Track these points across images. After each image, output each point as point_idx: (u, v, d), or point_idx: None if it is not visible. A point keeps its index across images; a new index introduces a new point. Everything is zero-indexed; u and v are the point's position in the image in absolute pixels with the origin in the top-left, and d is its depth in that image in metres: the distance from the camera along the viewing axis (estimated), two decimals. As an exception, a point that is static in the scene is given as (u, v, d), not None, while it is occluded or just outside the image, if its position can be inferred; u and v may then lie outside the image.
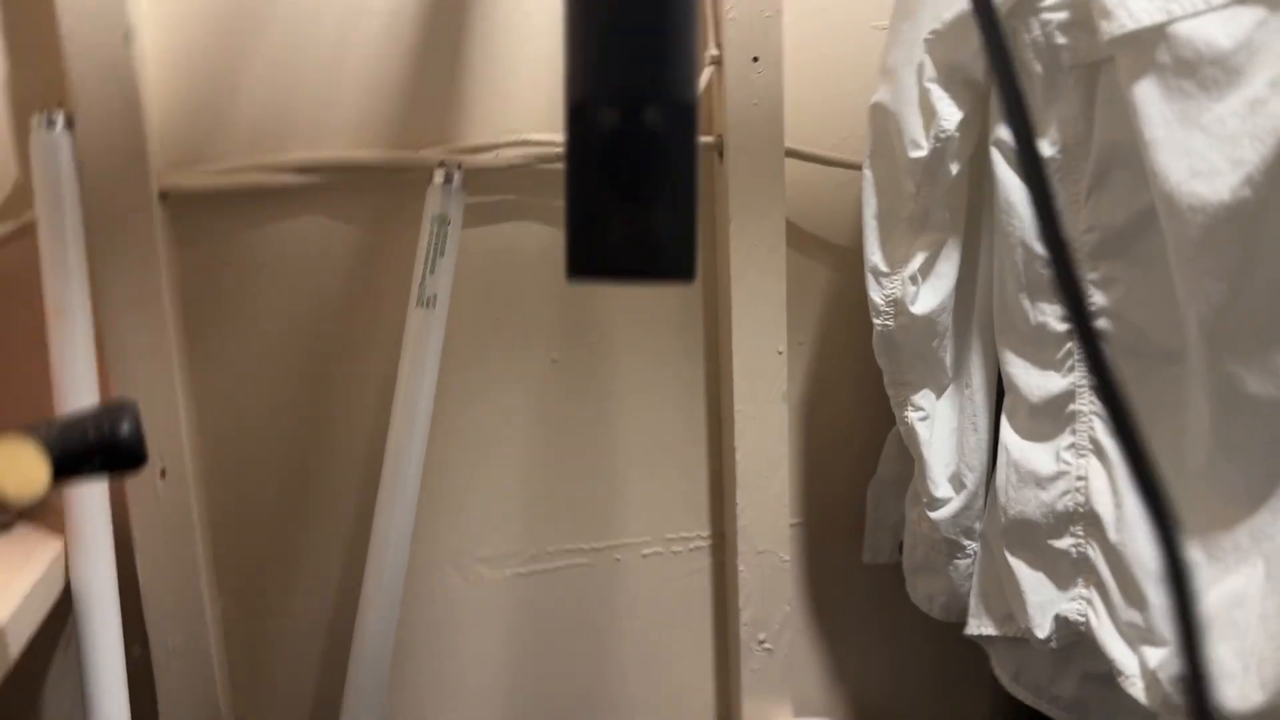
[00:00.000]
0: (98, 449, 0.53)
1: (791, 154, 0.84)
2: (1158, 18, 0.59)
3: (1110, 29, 0.61)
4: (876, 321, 0.78)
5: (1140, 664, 0.66)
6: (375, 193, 0.80)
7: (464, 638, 0.88)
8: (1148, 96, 0.60)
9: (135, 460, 0.53)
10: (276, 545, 0.84)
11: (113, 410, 0.54)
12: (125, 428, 0.54)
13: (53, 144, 0.72)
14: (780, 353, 0.84)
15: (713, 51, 0.81)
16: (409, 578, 0.81)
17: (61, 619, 0.77)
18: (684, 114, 0.35)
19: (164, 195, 0.76)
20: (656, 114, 0.34)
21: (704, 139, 0.82)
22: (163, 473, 0.76)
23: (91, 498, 0.73)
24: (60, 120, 0.72)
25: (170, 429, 0.76)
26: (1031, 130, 0.37)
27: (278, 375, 0.81)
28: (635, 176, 0.35)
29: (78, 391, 0.73)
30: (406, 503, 0.78)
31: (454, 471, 0.85)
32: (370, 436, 0.82)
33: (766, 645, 0.88)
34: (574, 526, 0.89)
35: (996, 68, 0.37)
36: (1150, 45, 0.60)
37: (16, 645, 0.63)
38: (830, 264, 0.89)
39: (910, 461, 0.82)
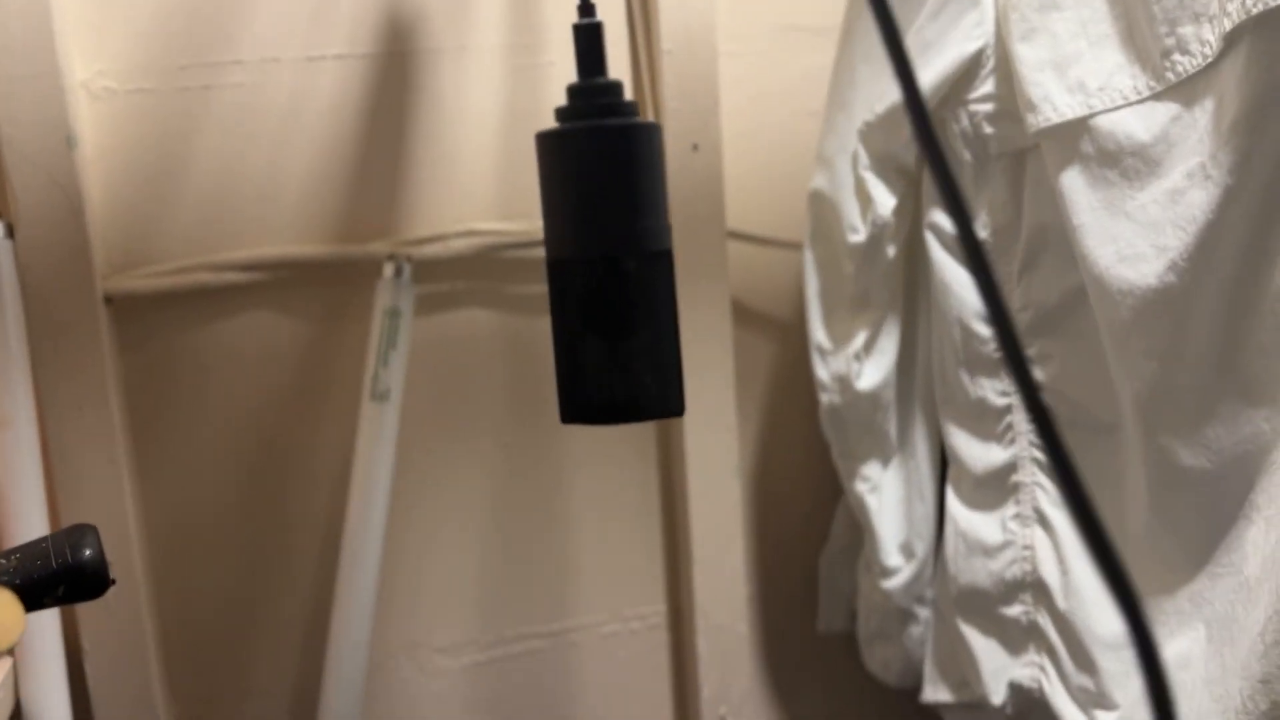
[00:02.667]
0: (60, 577, 0.52)
1: (734, 235, 0.86)
2: (1079, 111, 0.63)
3: (1035, 121, 0.65)
4: (822, 397, 0.81)
5: (1094, 728, 0.69)
6: (323, 287, 0.80)
7: (424, 729, 0.87)
8: (1074, 184, 0.64)
9: (99, 586, 0.53)
10: (229, 648, 0.82)
11: (73, 535, 0.54)
12: (87, 553, 0.53)
13: (-7, 252, 0.71)
14: (730, 429, 0.86)
15: (654, 140, 0.83)
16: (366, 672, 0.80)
17: (8, 737, 0.75)
18: (659, 262, 0.36)
19: (109, 299, 0.75)
20: (631, 264, 0.36)
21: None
22: (112, 582, 0.75)
23: (41, 613, 0.71)
24: (1, 228, 0.71)
25: (120, 537, 0.74)
26: (968, 216, 0.39)
27: (229, 475, 0.80)
28: (615, 324, 0.36)
29: (25, 500, 0.71)
30: (365, 596, 0.77)
31: (407, 560, 0.85)
32: (323, 533, 0.82)
33: (727, 719, 0.89)
34: (531, 609, 0.89)
35: (930, 160, 0.38)
36: (1074, 137, 0.63)
37: (-31, 777, 0.61)
38: (776, 339, 0.92)
39: (860, 531, 0.84)
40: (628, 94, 0.83)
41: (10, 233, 0.71)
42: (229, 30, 0.77)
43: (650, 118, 0.83)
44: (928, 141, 0.39)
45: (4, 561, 0.52)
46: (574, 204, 0.37)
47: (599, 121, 0.38)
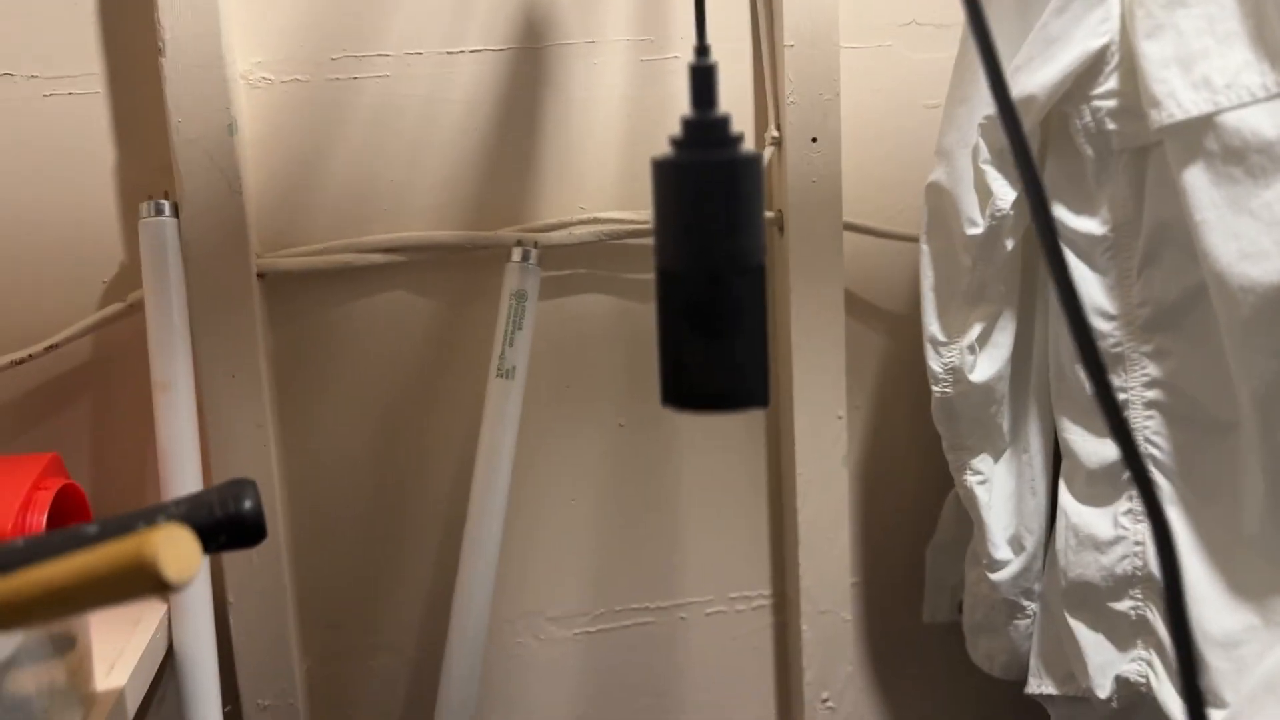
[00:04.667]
0: (223, 526, 0.57)
1: (850, 228, 0.87)
2: (1205, 108, 0.63)
3: (1159, 118, 0.65)
4: (935, 389, 0.82)
5: (1202, 724, 0.68)
6: (455, 269, 0.85)
7: (535, 694, 0.91)
8: (1197, 182, 0.64)
9: (257, 535, 0.57)
10: (360, 606, 0.87)
11: (234, 487, 0.58)
12: (248, 505, 0.58)
13: (160, 228, 0.77)
14: (840, 417, 0.88)
15: (773, 133, 0.85)
16: (485, 636, 0.85)
17: (159, 678, 0.81)
18: (754, 276, 0.43)
19: (261, 275, 0.81)
20: (728, 279, 0.43)
21: (766, 214, 0.86)
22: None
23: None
24: (167, 207, 0.77)
25: (265, 496, 0.80)
26: (1054, 233, 0.41)
27: (364, 443, 0.85)
28: (715, 328, 0.43)
29: (181, 459, 0.77)
30: (488, 563, 0.81)
31: (525, 532, 0.89)
32: (449, 502, 0.86)
33: (830, 704, 0.91)
34: (639, 586, 0.92)
35: (1019, 162, 0.41)
36: (1198, 134, 0.63)
37: (133, 707, 0.67)
38: (887, 331, 0.93)
39: (968, 523, 0.85)
40: (748, 92, 0.86)
41: (175, 211, 0.77)
42: (375, 25, 0.81)
43: (771, 110, 0.85)
44: (1019, 145, 0.41)
45: (174, 509, 0.57)
46: (682, 225, 0.43)
47: (707, 154, 0.43)
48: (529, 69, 0.84)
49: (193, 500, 0.58)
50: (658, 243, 0.44)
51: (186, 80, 0.76)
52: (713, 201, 0.42)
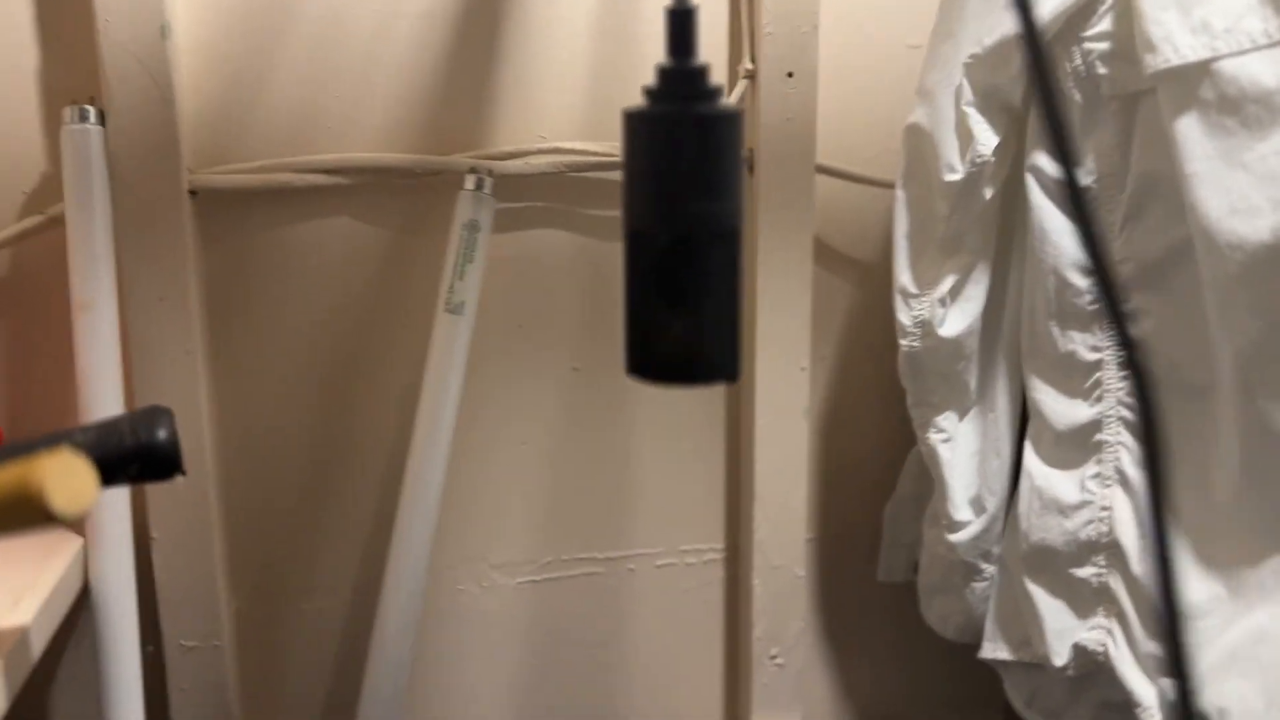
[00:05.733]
0: (134, 455, 0.53)
1: (822, 170, 0.83)
2: (1202, 54, 0.60)
3: (1154, 62, 0.62)
4: (903, 342, 0.78)
5: (1159, 696, 0.67)
6: (404, 196, 0.80)
7: (475, 643, 0.88)
8: (1190, 131, 0.61)
9: (171, 467, 0.53)
10: (293, 545, 0.83)
11: (148, 415, 0.54)
12: (162, 434, 0.53)
13: (84, 137, 0.72)
14: (803, 369, 0.84)
15: (747, 65, 0.81)
16: (424, 582, 0.81)
17: (75, 616, 0.77)
18: (729, 241, 0.40)
19: (193, 192, 0.75)
20: (703, 243, 0.39)
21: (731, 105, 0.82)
22: (183, 472, 0.76)
23: (112, 496, 0.73)
24: (93, 114, 0.72)
25: (192, 428, 0.75)
26: (1073, 161, 0.38)
27: (301, 376, 0.81)
28: (683, 293, 0.40)
29: (102, 385, 0.72)
30: (429, 506, 0.78)
31: (470, 476, 0.85)
32: (392, 439, 0.82)
33: (779, 660, 0.89)
34: (589, 535, 0.89)
35: (1041, 98, 0.38)
36: (1194, 81, 0.60)
37: (39, 645, 0.63)
38: (856, 281, 0.89)
39: (929, 482, 0.82)
40: (722, 22, 0.82)
41: (102, 119, 0.72)
42: (326, -73, 0.76)
43: (745, 42, 0.81)
44: (1042, 82, 0.38)
45: (81, 435, 0.53)
46: (653, 182, 0.40)
47: (684, 107, 0.40)
48: (490, -15, 0.79)
49: (102, 427, 0.54)
50: (626, 201, 0.41)
51: (115, -25, 0.70)
52: (687, 158, 0.39)
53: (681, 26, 0.41)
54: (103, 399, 0.72)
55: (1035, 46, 0.38)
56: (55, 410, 0.78)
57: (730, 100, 0.82)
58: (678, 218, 0.39)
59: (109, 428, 0.54)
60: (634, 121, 0.40)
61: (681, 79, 0.40)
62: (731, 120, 0.40)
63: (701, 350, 0.40)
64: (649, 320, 0.41)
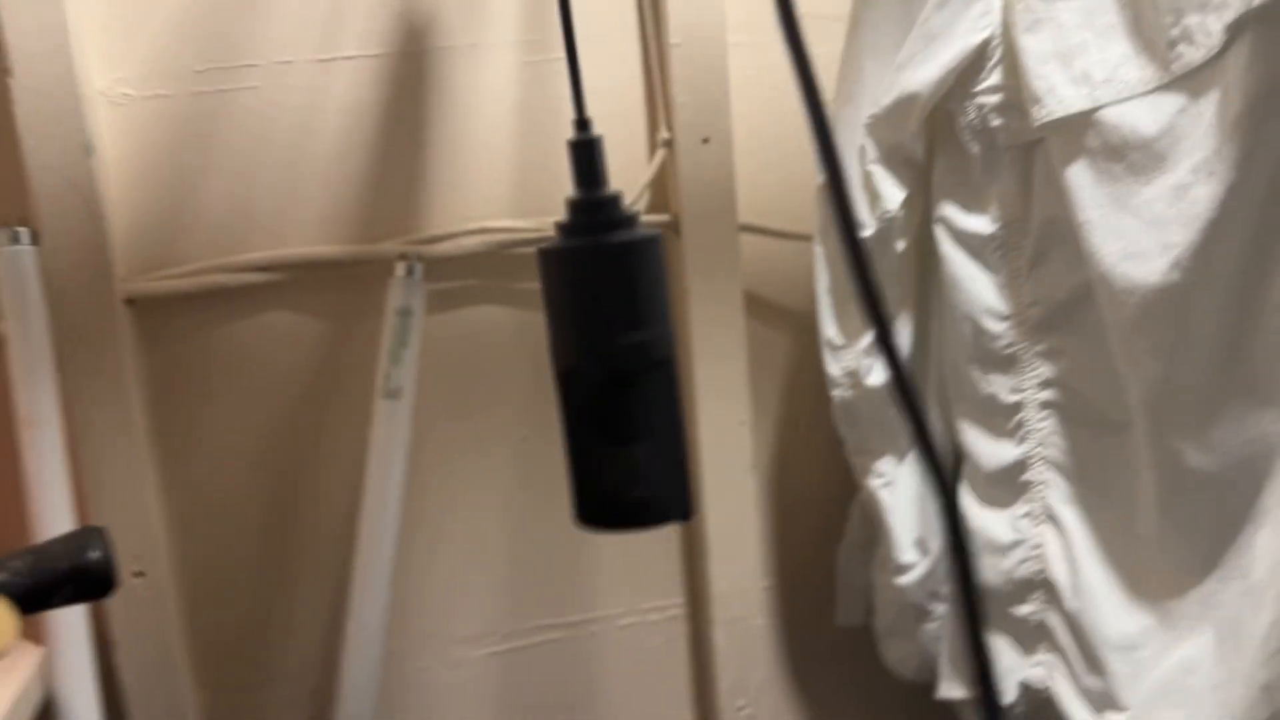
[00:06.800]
0: (68, 578, 0.54)
1: (746, 228, 0.85)
2: (1085, 104, 0.62)
3: (1040, 114, 0.64)
4: (834, 392, 0.80)
5: (1103, 729, 0.68)
6: (337, 287, 0.82)
7: (445, 718, 0.89)
8: (1080, 179, 0.62)
9: (105, 587, 0.54)
10: (255, 635, 0.84)
11: (81, 537, 0.55)
12: (95, 555, 0.55)
13: (17, 258, 0.73)
14: (743, 424, 0.86)
15: (664, 135, 0.83)
16: (385, 661, 0.82)
17: (42, 723, 0.78)
18: (662, 369, 0.38)
19: (129, 301, 0.77)
20: (636, 376, 0.38)
21: (659, 217, 0.84)
22: (139, 574, 0.77)
23: (71, 607, 0.74)
24: (25, 235, 0.73)
25: (145, 530, 0.77)
26: (855, 228, 0.38)
27: (249, 470, 0.82)
28: (622, 432, 0.38)
29: (51, 497, 0.74)
30: (381, 589, 0.79)
31: (426, 553, 0.86)
32: (343, 525, 0.83)
33: (746, 710, 0.89)
34: (548, 601, 0.90)
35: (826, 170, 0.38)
36: (1080, 130, 0.62)
37: (-4, 765, 0.64)
38: (790, 333, 0.91)
39: (875, 526, 0.83)
40: (638, 93, 0.84)
41: (34, 239, 0.74)
42: (242, 35, 0.78)
43: (661, 111, 0.83)
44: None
45: (17, 563, 0.54)
46: (578, 319, 0.38)
47: (600, 239, 0.39)
48: (409, 74, 0.81)
49: (37, 552, 0.55)
50: (552, 341, 0.39)
51: (37, 101, 0.72)
52: (609, 292, 0.38)
53: (587, 158, 0.40)
54: (53, 513, 0.73)
55: (828, 149, 0.37)
56: (5, 527, 0.79)
57: (651, 171, 0.84)
58: (606, 353, 0.38)
59: (42, 553, 0.55)
60: (549, 258, 0.39)
61: (592, 209, 0.39)
62: (651, 245, 0.38)
63: (647, 489, 0.38)
64: (591, 463, 0.39)
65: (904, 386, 0.34)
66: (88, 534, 0.56)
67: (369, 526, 0.78)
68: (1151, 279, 0.59)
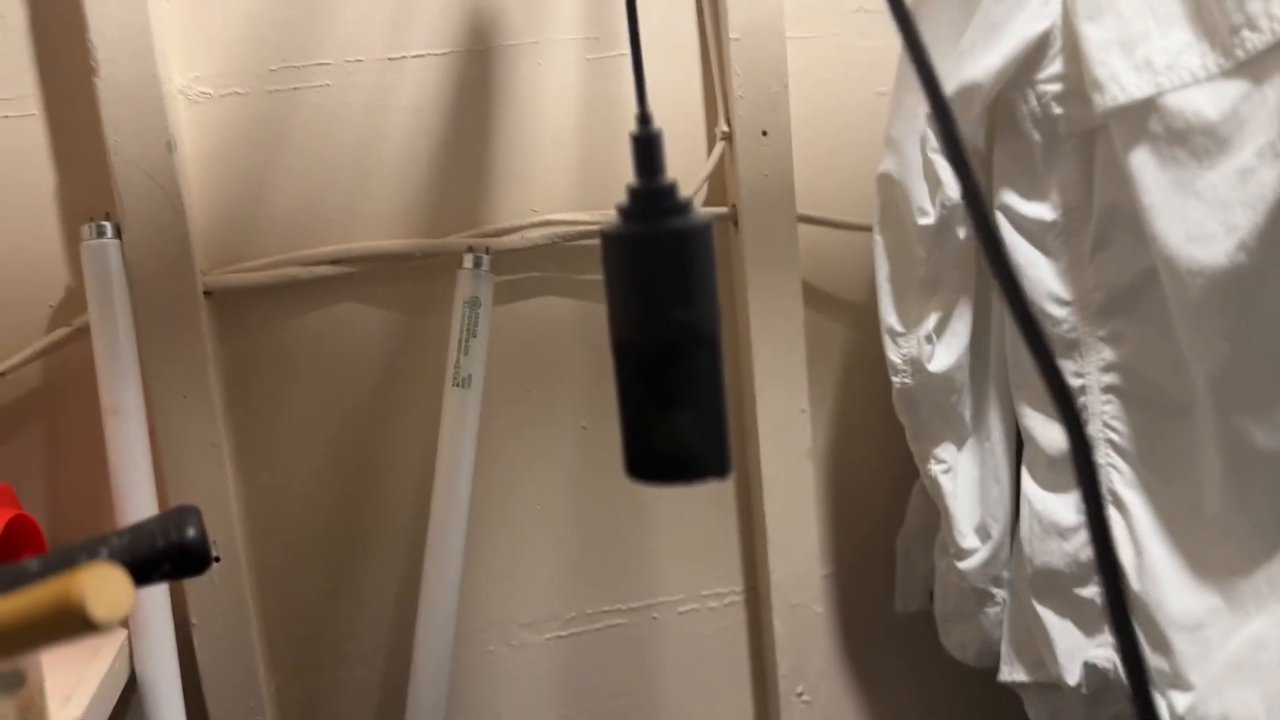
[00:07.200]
0: (166, 555, 0.56)
1: (804, 219, 0.87)
2: (1147, 90, 0.62)
3: (1103, 101, 0.64)
4: (895, 379, 0.81)
5: (1169, 708, 0.68)
6: (407, 279, 0.84)
7: (509, 701, 0.91)
8: (1143, 165, 0.63)
9: (201, 563, 0.56)
10: (327, 620, 0.87)
11: (177, 515, 0.58)
12: (191, 532, 0.57)
13: (102, 251, 0.76)
14: (803, 410, 0.87)
15: (723, 128, 0.84)
16: (453, 645, 0.84)
17: (123, 706, 0.81)
18: (708, 348, 0.42)
19: (208, 293, 0.79)
20: (685, 351, 0.42)
21: (718, 209, 0.86)
22: (216, 558, 0.80)
23: (152, 588, 0.76)
24: (109, 228, 0.76)
25: (223, 516, 0.79)
26: (993, 226, 0.40)
27: (322, 457, 0.85)
28: (672, 396, 0.42)
29: (134, 483, 0.76)
30: (452, 573, 0.81)
31: (491, 539, 0.88)
32: (412, 511, 0.85)
33: (805, 697, 0.91)
34: (611, 588, 0.91)
35: (951, 159, 0.40)
36: (1142, 116, 0.63)
37: (91, 738, 0.66)
38: (847, 322, 0.92)
39: (935, 512, 0.84)
40: (697, 87, 0.85)
41: (118, 232, 0.76)
42: (314, 34, 0.80)
43: (720, 105, 0.84)
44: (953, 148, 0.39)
45: (116, 540, 0.56)
46: (633, 297, 0.42)
47: (657, 224, 0.42)
48: (474, 72, 0.83)
49: (135, 530, 0.57)
50: (610, 314, 0.43)
51: (122, 99, 0.75)
52: (663, 273, 0.42)
53: (646, 150, 0.44)
54: (135, 497, 0.76)
55: (945, 118, 0.39)
56: (91, 511, 0.82)
57: (710, 164, 0.85)
58: (659, 329, 0.42)
59: (140, 531, 0.57)
60: (610, 241, 0.43)
61: (650, 197, 0.43)
62: (701, 233, 0.42)
63: (692, 449, 0.43)
64: (642, 424, 0.43)
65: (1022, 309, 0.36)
66: (183, 513, 0.58)
67: (439, 511, 0.80)
68: (1218, 261, 0.60)
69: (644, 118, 0.45)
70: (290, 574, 0.85)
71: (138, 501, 0.76)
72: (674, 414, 0.42)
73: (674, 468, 0.43)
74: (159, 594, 0.77)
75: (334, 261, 0.82)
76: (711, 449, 0.43)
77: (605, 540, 0.91)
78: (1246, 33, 0.57)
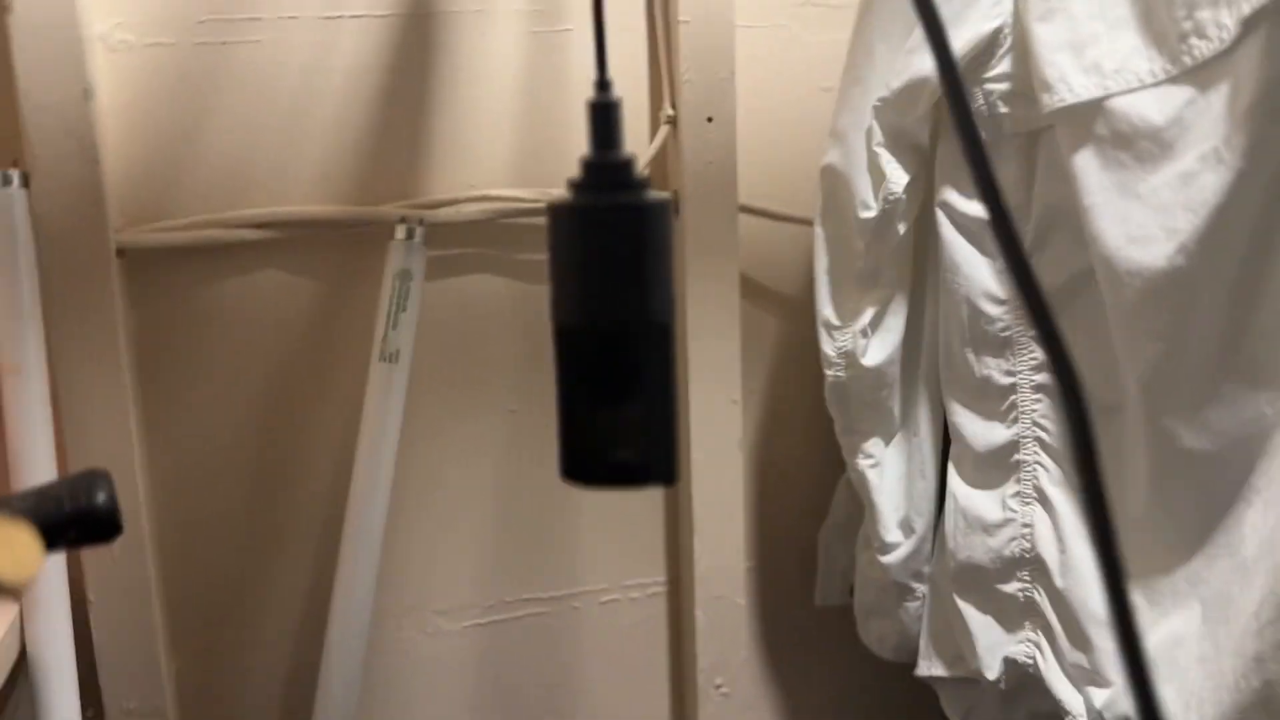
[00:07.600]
0: (72, 521, 0.53)
1: (745, 209, 0.86)
2: (1095, 93, 0.63)
3: (1050, 102, 0.65)
4: (828, 372, 0.81)
5: (1086, 704, 0.70)
6: (336, 247, 0.81)
7: (422, 690, 0.88)
8: (1087, 166, 0.64)
9: (111, 531, 0.53)
10: (233, 601, 0.83)
11: (86, 479, 0.54)
12: (100, 498, 0.53)
13: (7, 200, 0.71)
14: (735, 401, 0.87)
15: (668, 111, 0.83)
16: (368, 632, 0.81)
17: (11, 683, 0.76)
18: (660, 335, 0.38)
19: (121, 252, 0.75)
20: (634, 337, 0.38)
21: (659, 194, 0.85)
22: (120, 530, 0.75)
23: (47, 561, 0.72)
24: (16, 177, 0.72)
25: (128, 487, 0.75)
26: (999, 190, 0.38)
27: (237, 430, 0.81)
28: (618, 391, 0.38)
29: (33, 447, 0.72)
30: (370, 556, 0.78)
31: (412, 522, 0.86)
32: (329, 491, 0.82)
33: (724, 690, 0.90)
34: (532, 575, 0.90)
35: (963, 132, 0.38)
36: (1089, 118, 0.64)
37: (-23, 716, 0.62)
38: (782, 315, 0.92)
39: (859, 506, 0.85)
40: (642, 69, 0.84)
41: (26, 182, 0.72)
42: (248, -13, 0.77)
43: (666, 88, 0.83)
44: (962, 112, 0.38)
45: (19, 502, 0.53)
46: (581, 276, 0.38)
47: (612, 198, 0.39)
48: (415, 37, 0.80)
49: (40, 493, 0.54)
50: (554, 296, 0.39)
51: (36, 41, 0.70)
52: (617, 252, 0.38)
53: (604, 120, 0.40)
54: (34, 461, 0.71)
55: (956, 83, 0.38)
56: (-14, 475, 0.77)
57: (653, 148, 0.84)
58: (607, 311, 0.38)
59: (47, 494, 0.53)
60: (559, 214, 0.39)
61: (606, 170, 0.39)
62: (661, 210, 0.39)
63: (635, 450, 0.38)
64: (582, 420, 0.39)
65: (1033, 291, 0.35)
66: (92, 477, 0.54)
67: (360, 491, 0.78)
68: (1156, 263, 0.61)
69: (603, 83, 0.42)
70: (198, 552, 0.81)
71: (36, 467, 0.71)
72: (617, 409, 0.38)
73: (615, 471, 0.39)
74: (55, 565, 0.72)
75: (259, 225, 0.78)
76: (658, 452, 0.38)
77: (528, 527, 0.89)
78: (1194, 40, 0.58)
